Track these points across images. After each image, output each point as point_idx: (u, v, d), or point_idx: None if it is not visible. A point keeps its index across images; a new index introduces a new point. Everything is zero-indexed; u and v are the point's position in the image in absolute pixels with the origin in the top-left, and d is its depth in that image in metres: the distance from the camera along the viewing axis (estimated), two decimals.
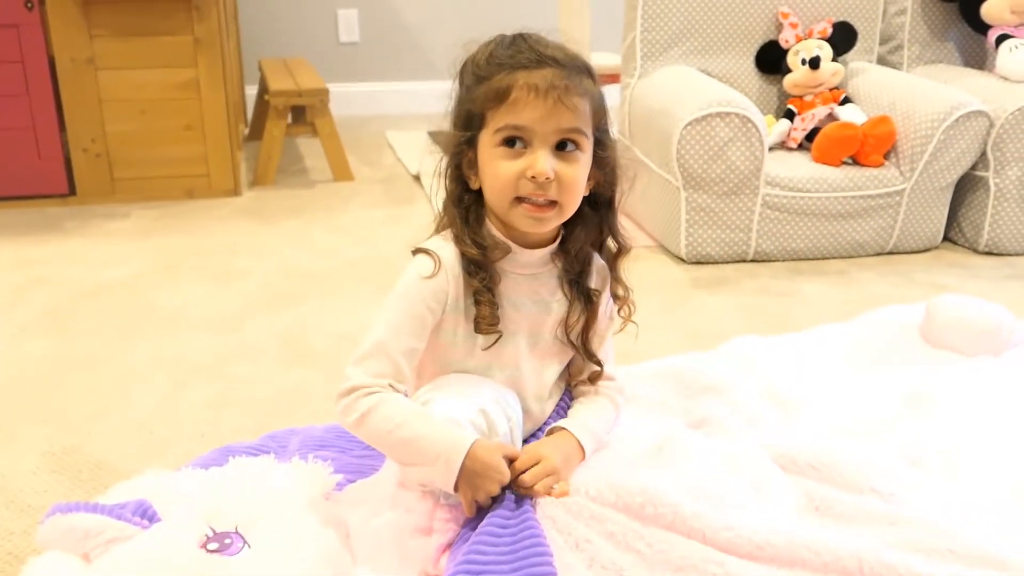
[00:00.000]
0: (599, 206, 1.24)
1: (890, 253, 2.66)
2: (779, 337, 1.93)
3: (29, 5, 2.85)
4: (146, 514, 1.21)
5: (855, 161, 2.62)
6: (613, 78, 3.16)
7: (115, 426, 1.69)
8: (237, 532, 1.17)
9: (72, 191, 3.06)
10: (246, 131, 4.03)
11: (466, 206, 1.21)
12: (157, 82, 3.00)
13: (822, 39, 2.80)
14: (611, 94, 3.16)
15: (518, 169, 1.12)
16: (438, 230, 1.26)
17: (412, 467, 1.16)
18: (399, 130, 4.12)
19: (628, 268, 2.29)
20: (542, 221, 1.15)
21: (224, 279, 2.41)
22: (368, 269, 2.48)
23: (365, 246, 2.67)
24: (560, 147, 1.13)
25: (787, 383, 1.69)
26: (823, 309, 2.28)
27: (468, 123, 1.18)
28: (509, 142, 1.13)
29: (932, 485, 1.29)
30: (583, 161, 1.15)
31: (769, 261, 2.58)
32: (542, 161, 1.11)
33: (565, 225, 1.23)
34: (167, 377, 1.87)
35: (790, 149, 2.78)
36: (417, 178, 3.38)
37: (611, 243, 1.29)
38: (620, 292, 1.30)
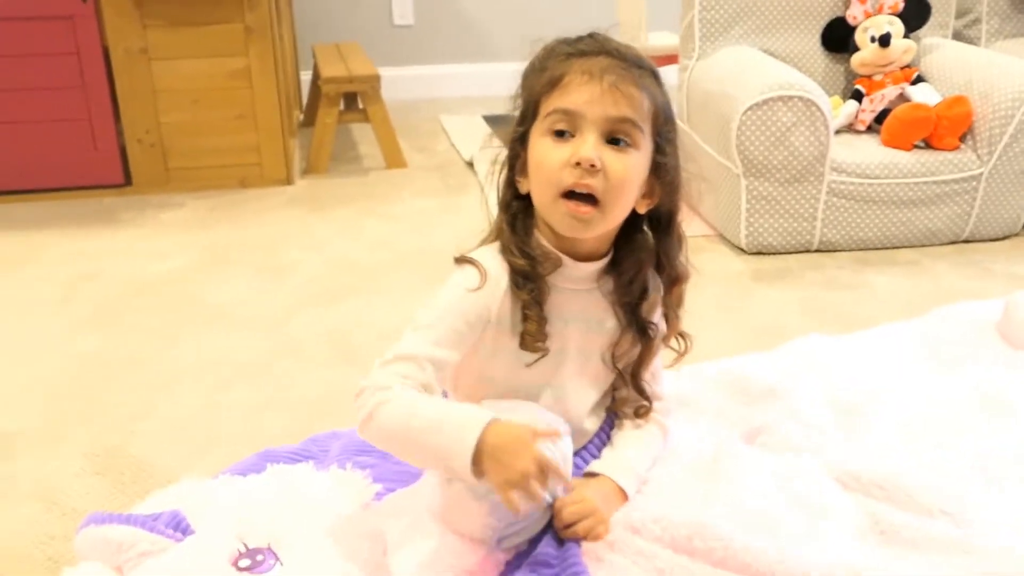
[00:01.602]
0: (658, 226, 1.16)
1: (965, 242, 2.51)
2: (844, 336, 1.83)
3: None
4: (180, 526, 1.18)
5: (928, 145, 2.48)
6: (671, 59, 3.05)
7: (158, 427, 1.67)
8: (269, 548, 1.14)
9: (128, 181, 3.07)
10: (301, 118, 4.01)
11: (514, 212, 1.14)
12: (209, 71, 2.99)
13: (893, 14, 2.65)
14: (669, 75, 3.06)
15: (564, 156, 1.05)
16: (484, 241, 1.18)
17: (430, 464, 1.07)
18: (454, 114, 4.06)
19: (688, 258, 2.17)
20: (582, 222, 1.06)
21: (273, 273, 2.39)
22: (419, 261, 2.43)
23: (417, 237, 2.63)
24: (612, 142, 1.05)
25: (852, 387, 1.60)
26: (893, 303, 2.16)
27: (523, 118, 1.12)
28: (558, 133, 1.06)
29: (1010, 506, 1.20)
30: (636, 160, 1.06)
31: (835, 251, 2.46)
32: (588, 146, 1.03)
33: (617, 242, 1.16)
34: (212, 377, 1.85)
35: (858, 132, 2.65)
36: (471, 164, 3.32)
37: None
38: (671, 322, 1.21)
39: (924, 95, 2.55)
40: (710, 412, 1.53)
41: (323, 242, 2.61)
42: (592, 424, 1.26)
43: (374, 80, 3.23)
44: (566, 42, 1.09)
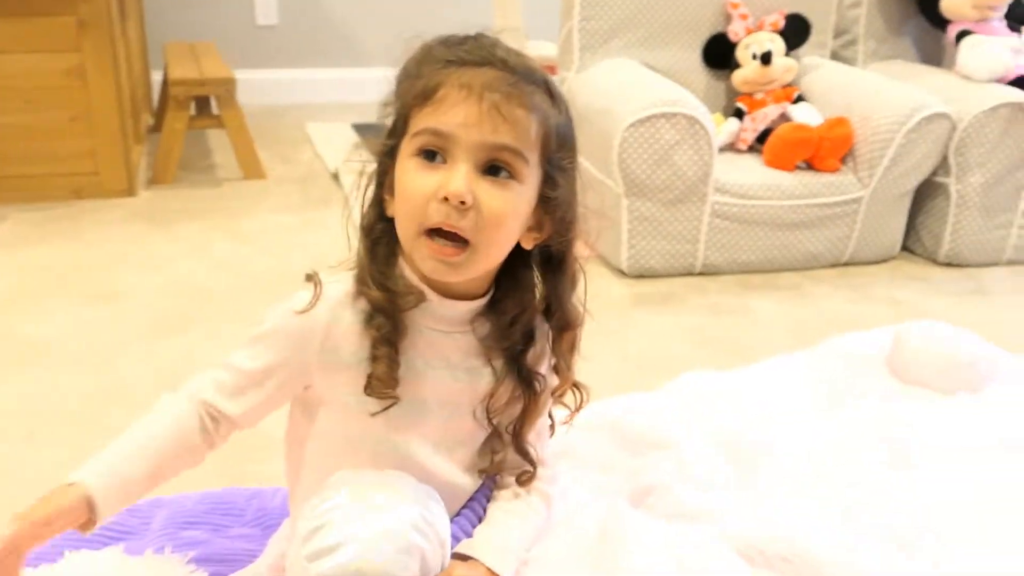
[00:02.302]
0: (548, 264, 0.99)
1: (846, 265, 2.46)
2: (732, 373, 1.71)
3: None
4: None
5: (810, 166, 2.41)
6: (550, 70, 2.92)
7: None
8: None
9: None
10: (151, 122, 3.69)
11: (376, 236, 0.95)
12: (37, 69, 2.66)
13: (774, 32, 2.59)
14: None
15: (431, 187, 0.87)
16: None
17: None
18: (320, 121, 3.81)
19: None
20: (447, 266, 0.89)
21: (103, 300, 2.10)
22: (272, 286, 2.19)
23: (271, 257, 2.39)
24: (491, 171, 0.88)
25: (744, 433, 1.47)
26: (777, 329, 2.08)
27: (393, 130, 0.93)
28: (428, 154, 0.88)
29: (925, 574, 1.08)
30: (517, 194, 0.89)
31: (717, 275, 2.37)
32: (458, 178, 0.86)
33: (499, 279, 0.98)
34: (19, 428, 1.58)
35: (739, 151, 2.57)
36: (336, 176, 3.09)
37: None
38: (562, 373, 1.03)
39: (806, 115, 2.49)
40: (593, 465, 1.37)
41: (164, 263, 2.33)
42: (468, 483, 1.07)
43: (228, 83, 2.96)
44: (446, 43, 0.90)
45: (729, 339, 2.02)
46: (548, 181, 0.92)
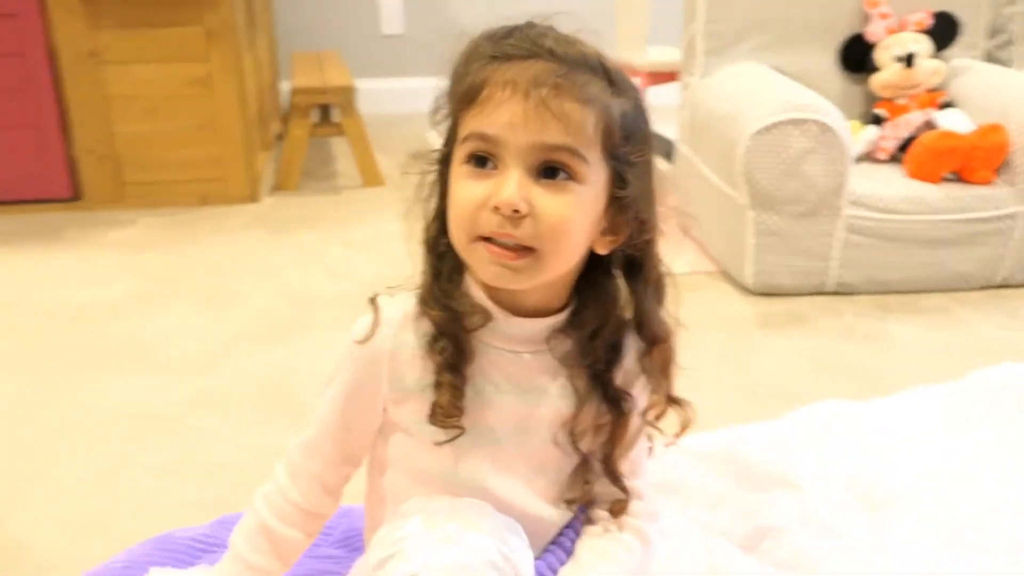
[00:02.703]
0: (631, 272, 0.89)
1: (999, 287, 2.24)
2: (865, 404, 1.56)
3: None
4: None
5: (959, 177, 2.21)
6: (672, 76, 2.80)
7: (45, 496, 1.40)
8: None
9: (78, 196, 2.81)
10: (280, 130, 3.76)
11: (440, 252, 0.87)
12: (167, 78, 2.73)
13: (919, 32, 2.39)
14: (670, 93, 2.80)
15: (480, 196, 0.78)
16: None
17: None
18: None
19: (684, 297, 1.87)
20: (510, 272, 0.80)
21: (214, 305, 2.11)
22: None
23: (383, 265, 2.35)
24: (548, 173, 0.79)
25: (877, 471, 1.32)
26: (919, 357, 1.89)
27: (448, 136, 0.85)
28: (477, 160, 0.79)
29: None
30: (580, 197, 0.79)
31: (853, 294, 2.19)
32: (509, 186, 0.77)
33: (578, 290, 0.89)
34: (119, 431, 1.58)
35: (878, 161, 2.38)
36: None
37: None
38: (654, 391, 0.92)
39: (954, 122, 2.28)
40: (702, 500, 1.26)
41: (278, 269, 2.34)
42: (554, 515, 0.97)
43: (349, 91, 2.97)
44: (492, 38, 0.82)
45: (863, 366, 1.85)
46: (617, 178, 0.82)
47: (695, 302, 2.13)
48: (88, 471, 1.46)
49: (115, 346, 1.91)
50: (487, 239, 0.79)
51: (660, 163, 0.89)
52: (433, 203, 0.88)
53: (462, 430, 0.86)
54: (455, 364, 0.84)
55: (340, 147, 3.50)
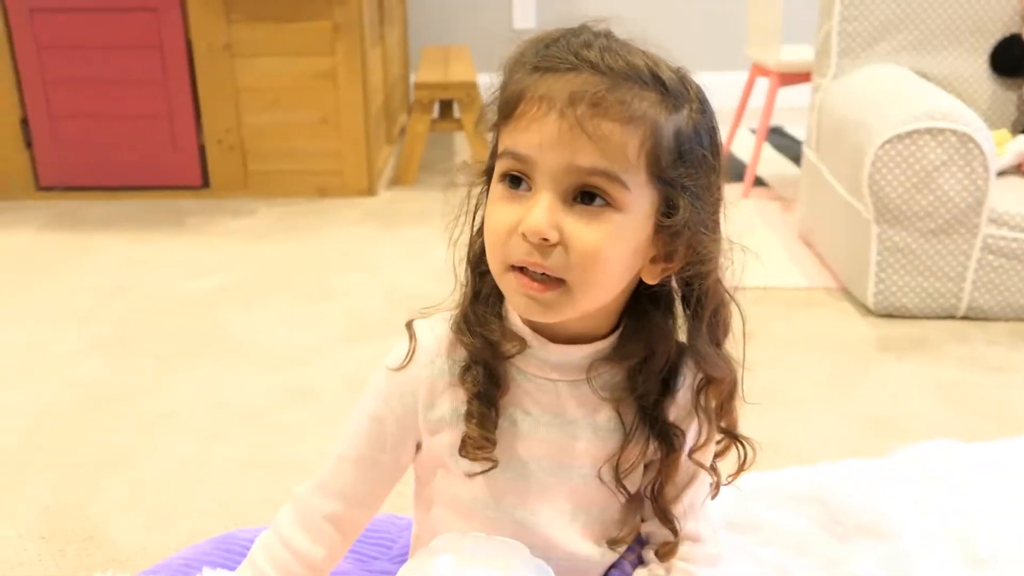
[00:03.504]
0: (688, 304, 0.81)
1: None
2: (987, 445, 1.41)
3: None
4: None
5: None
6: (802, 77, 2.64)
7: (127, 484, 1.43)
8: None
9: (206, 183, 2.91)
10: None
11: (484, 271, 0.81)
12: (294, 71, 2.79)
13: None
14: (801, 95, 2.65)
15: (511, 220, 0.72)
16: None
17: None
18: None
19: (799, 315, 1.76)
20: (538, 305, 0.73)
21: (314, 300, 2.13)
22: None
23: None
24: (584, 198, 0.72)
25: (993, 524, 1.19)
26: None
27: (492, 149, 0.79)
28: (512, 180, 0.73)
29: None
30: (617, 226, 0.72)
31: (986, 320, 2.00)
32: (537, 212, 0.70)
33: (628, 317, 0.82)
34: (206, 422, 1.61)
35: None
36: None
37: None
38: (707, 432, 0.83)
39: None
40: (785, 544, 1.16)
41: (383, 265, 2.34)
42: (598, 555, 0.90)
43: (470, 87, 2.95)
44: (538, 44, 0.75)
45: (992, 400, 1.69)
46: (665, 203, 0.74)
47: (810, 320, 2.00)
48: (170, 462, 1.49)
49: (212, 336, 1.95)
50: (519, 268, 0.73)
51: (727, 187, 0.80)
52: (479, 219, 0.83)
53: (495, 463, 0.80)
54: (487, 394, 0.79)
55: (462, 142, 3.50)
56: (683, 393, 0.83)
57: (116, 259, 2.39)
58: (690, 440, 0.84)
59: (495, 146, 0.78)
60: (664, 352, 0.80)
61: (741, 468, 0.86)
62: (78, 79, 2.78)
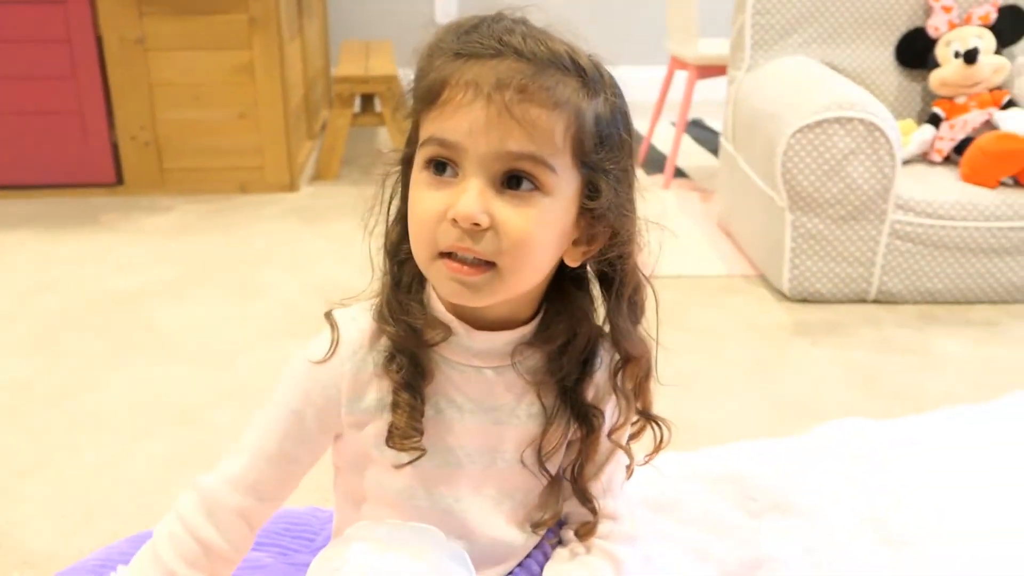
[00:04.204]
0: (605, 285, 0.82)
1: None
2: (897, 422, 1.46)
3: None
4: None
5: (1017, 182, 2.07)
6: (719, 70, 2.70)
7: (45, 485, 1.40)
8: None
9: (120, 181, 2.83)
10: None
11: (401, 259, 0.81)
12: (210, 65, 2.73)
13: (983, 26, 2.26)
14: (717, 88, 2.70)
15: (439, 206, 0.72)
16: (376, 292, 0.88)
17: None
18: None
19: (718, 301, 1.79)
20: (468, 289, 0.74)
21: (241, 297, 2.10)
22: None
23: None
24: (511, 182, 0.72)
25: (904, 502, 1.23)
26: (964, 373, 1.78)
27: (410, 137, 0.79)
28: (437, 166, 0.73)
29: None
30: (545, 209, 0.73)
31: (896, 304, 2.08)
32: (468, 197, 0.71)
33: (548, 301, 0.83)
34: (132, 421, 1.57)
35: (933, 163, 2.25)
36: None
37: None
38: (623, 410, 0.85)
39: (1017, 123, 2.15)
40: (699, 523, 1.18)
41: (308, 261, 2.32)
42: (522, 539, 0.92)
43: (391, 80, 2.94)
44: (457, 31, 0.75)
45: (903, 382, 1.75)
46: (588, 187, 0.75)
47: (728, 307, 2.05)
48: (91, 461, 1.46)
49: (138, 334, 1.91)
50: (447, 255, 0.73)
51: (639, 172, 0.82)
52: (394, 207, 0.83)
53: (422, 452, 0.80)
54: (413, 383, 0.79)
55: (385, 137, 3.48)
56: (600, 374, 0.84)
57: (31, 258, 2.32)
58: (608, 420, 0.85)
59: (413, 133, 0.77)
60: (585, 333, 0.82)
61: (658, 448, 0.88)
62: None
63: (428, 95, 0.73)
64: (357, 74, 2.96)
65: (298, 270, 2.26)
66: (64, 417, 1.59)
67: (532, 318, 0.82)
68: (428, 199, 0.73)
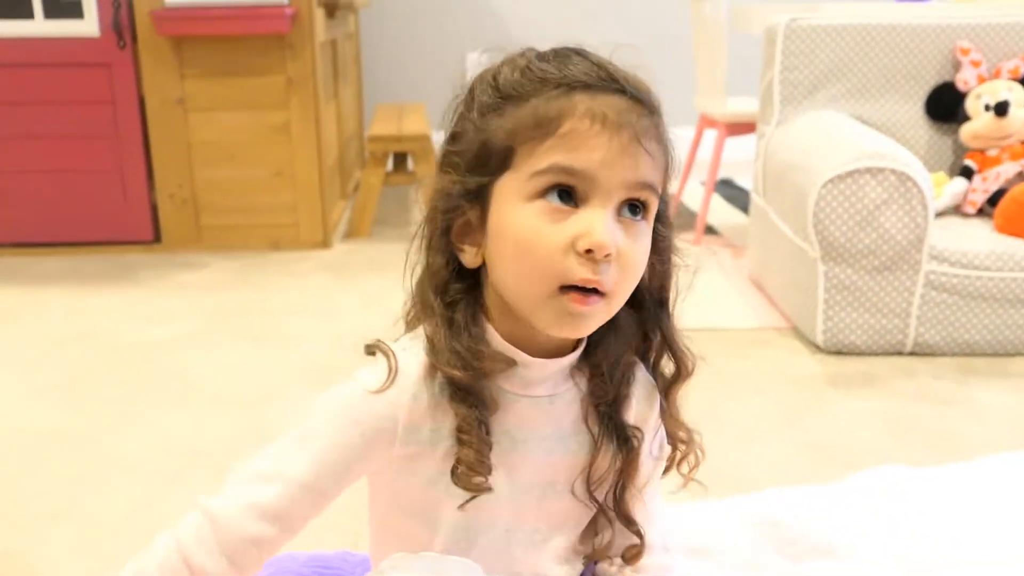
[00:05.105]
0: (643, 304, 0.82)
1: None
2: (931, 470, 1.43)
3: (121, 44, 2.72)
4: None
5: None
6: (749, 127, 2.72)
7: (75, 529, 1.39)
8: None
9: (157, 238, 2.89)
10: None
11: (453, 298, 0.78)
12: (247, 125, 2.80)
13: (1013, 80, 2.26)
14: (747, 145, 2.72)
15: (565, 238, 0.71)
16: (409, 325, 0.85)
17: None
18: None
19: (750, 353, 1.79)
20: (585, 320, 0.73)
21: (271, 346, 2.12)
22: None
23: None
24: (630, 210, 0.74)
25: (936, 545, 1.20)
26: (1003, 426, 1.74)
27: (479, 164, 0.76)
28: (561, 194, 0.72)
29: None
30: (648, 235, 0.77)
31: (932, 356, 2.05)
32: (604, 227, 0.70)
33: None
34: (159, 466, 1.57)
35: (966, 215, 2.24)
36: None
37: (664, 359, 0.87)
38: (679, 434, 0.85)
39: None
40: (736, 565, 1.16)
41: (340, 313, 2.34)
42: (563, 574, 0.89)
43: (424, 139, 2.99)
44: (548, 60, 0.75)
45: (940, 432, 1.71)
46: (659, 217, 0.78)
47: (762, 359, 2.03)
48: (120, 507, 1.46)
49: (166, 382, 1.92)
50: (571, 288, 0.71)
51: None
52: (436, 238, 0.80)
53: (489, 489, 0.77)
54: (482, 418, 0.76)
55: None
56: (639, 397, 0.84)
57: (65, 311, 2.36)
58: (648, 439, 0.84)
59: (492, 163, 0.75)
60: (630, 354, 0.82)
61: (694, 467, 0.87)
62: (29, 135, 2.76)
63: (539, 124, 0.72)
64: (390, 133, 3.02)
65: (328, 322, 2.28)
66: (95, 461, 1.59)
67: (578, 344, 0.82)
68: (549, 230, 0.71)
